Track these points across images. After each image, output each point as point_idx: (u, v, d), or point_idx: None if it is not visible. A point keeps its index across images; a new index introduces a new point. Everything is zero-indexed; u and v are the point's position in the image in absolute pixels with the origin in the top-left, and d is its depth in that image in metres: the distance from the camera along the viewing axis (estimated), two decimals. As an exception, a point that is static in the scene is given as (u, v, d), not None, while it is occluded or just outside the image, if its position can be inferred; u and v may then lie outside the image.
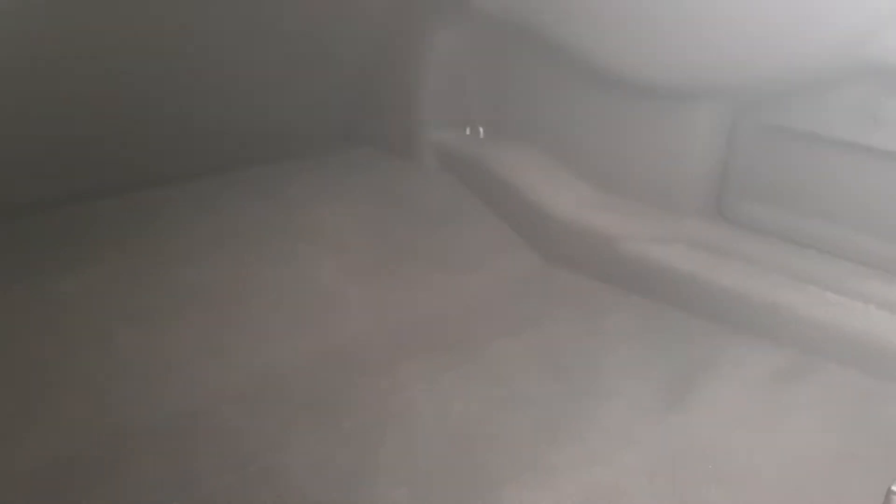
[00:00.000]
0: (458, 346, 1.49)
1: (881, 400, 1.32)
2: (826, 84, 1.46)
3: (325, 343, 1.46)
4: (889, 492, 0.92)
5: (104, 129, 1.72)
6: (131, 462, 1.15)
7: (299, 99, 1.95)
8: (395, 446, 1.22)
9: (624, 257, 1.71)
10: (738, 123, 1.63)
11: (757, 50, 1.49)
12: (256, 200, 1.88)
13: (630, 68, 1.67)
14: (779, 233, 1.61)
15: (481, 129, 2.05)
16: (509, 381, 1.40)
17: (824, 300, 1.46)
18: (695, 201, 1.72)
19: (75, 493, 1.08)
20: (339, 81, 1.99)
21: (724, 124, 1.65)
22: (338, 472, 1.16)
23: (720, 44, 1.54)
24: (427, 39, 2.00)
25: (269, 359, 1.40)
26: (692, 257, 1.64)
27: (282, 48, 1.85)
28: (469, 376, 1.40)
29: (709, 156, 1.69)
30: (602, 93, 1.75)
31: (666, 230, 1.72)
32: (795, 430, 1.27)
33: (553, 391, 1.36)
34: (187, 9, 1.67)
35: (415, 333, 1.53)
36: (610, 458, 1.20)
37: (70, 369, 1.33)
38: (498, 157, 1.97)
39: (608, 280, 1.71)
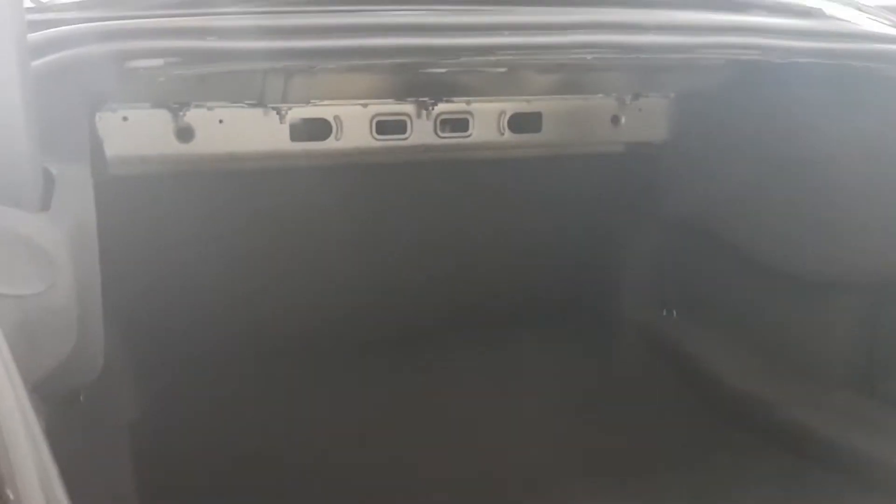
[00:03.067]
0: (618, 472, 1.85)
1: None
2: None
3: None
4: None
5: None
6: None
7: (525, 279, 2.39)
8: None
9: (776, 420, 1.96)
10: (880, 312, 1.87)
11: (888, 246, 1.77)
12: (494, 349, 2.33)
13: (787, 262, 2.00)
14: None
15: (675, 311, 2.42)
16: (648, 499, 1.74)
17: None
18: (843, 375, 1.96)
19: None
20: (554, 267, 2.42)
21: (866, 311, 1.90)
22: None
23: (860, 243, 1.82)
24: (628, 236, 2.42)
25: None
26: (832, 423, 1.86)
27: (513, 251, 2.33)
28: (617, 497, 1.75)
29: (854, 338, 1.93)
30: (767, 280, 2.07)
31: (815, 399, 1.95)
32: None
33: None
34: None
35: (584, 459, 1.91)
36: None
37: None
38: (684, 332, 2.35)
39: (760, 437, 1.95)
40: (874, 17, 1.93)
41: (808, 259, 1.93)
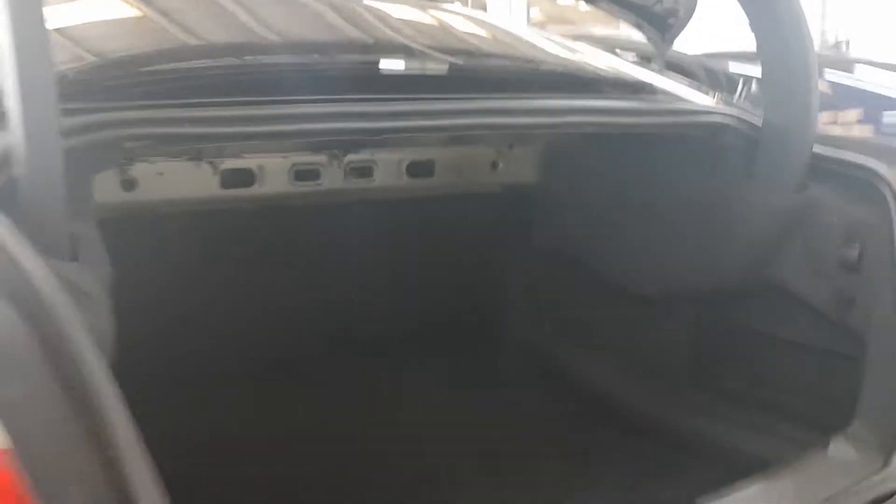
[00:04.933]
0: (503, 465, 2.26)
1: None
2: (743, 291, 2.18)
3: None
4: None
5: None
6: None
7: (420, 304, 2.75)
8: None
9: (633, 415, 2.40)
10: (702, 319, 2.34)
11: (702, 268, 2.24)
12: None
13: (632, 283, 2.44)
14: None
15: (549, 326, 2.82)
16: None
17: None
18: (683, 373, 2.39)
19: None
20: (447, 292, 2.77)
21: (693, 320, 2.35)
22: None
23: (682, 268, 2.28)
24: (508, 263, 2.85)
25: None
26: (676, 414, 2.28)
27: (411, 280, 2.69)
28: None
29: (687, 342, 2.38)
30: (620, 297, 2.47)
31: (661, 395, 2.38)
32: None
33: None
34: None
35: (479, 456, 2.30)
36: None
37: None
38: (557, 343, 2.76)
39: (621, 430, 2.36)
40: (697, 87, 2.44)
41: (646, 280, 2.38)
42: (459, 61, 2.21)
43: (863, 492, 1.56)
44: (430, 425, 2.45)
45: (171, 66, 1.82)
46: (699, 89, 2.42)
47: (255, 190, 2.24)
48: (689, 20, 2.34)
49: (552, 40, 2.70)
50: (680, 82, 2.44)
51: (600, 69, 2.44)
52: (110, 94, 1.52)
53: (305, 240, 2.48)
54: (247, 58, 2.02)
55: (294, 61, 1.93)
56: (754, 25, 2.04)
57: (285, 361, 2.52)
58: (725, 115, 2.06)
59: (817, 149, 2.00)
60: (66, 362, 0.95)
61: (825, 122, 5.12)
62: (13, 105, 1.16)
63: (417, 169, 2.46)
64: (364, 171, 2.38)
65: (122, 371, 1.14)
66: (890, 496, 1.57)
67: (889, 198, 1.81)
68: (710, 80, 4.63)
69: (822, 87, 5.29)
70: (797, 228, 2.01)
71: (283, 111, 1.54)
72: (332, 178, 2.33)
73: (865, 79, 5.86)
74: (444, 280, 2.74)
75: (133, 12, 2.14)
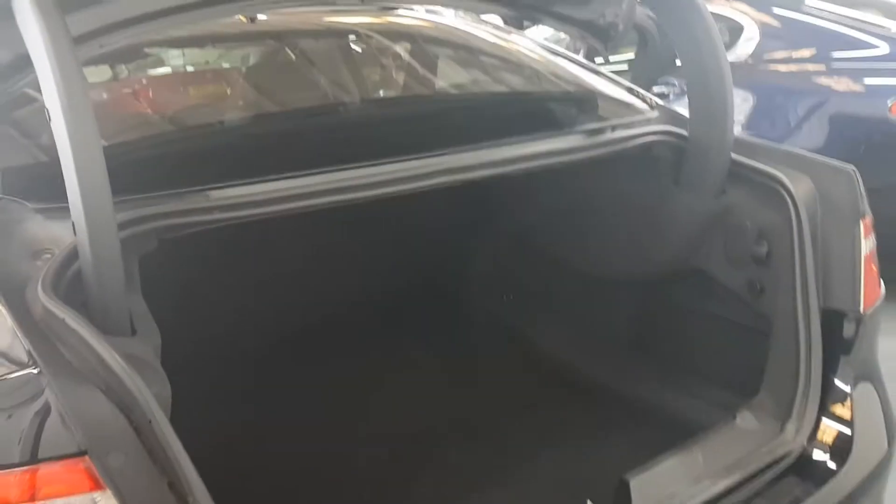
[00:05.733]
0: (469, 421, 2.66)
1: None
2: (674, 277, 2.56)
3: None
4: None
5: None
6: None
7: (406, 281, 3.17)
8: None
9: (583, 377, 2.80)
10: (644, 298, 2.73)
11: (638, 257, 2.60)
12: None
13: (583, 266, 2.82)
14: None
15: (512, 298, 3.23)
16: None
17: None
18: (629, 341, 2.79)
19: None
20: (427, 271, 3.19)
21: (636, 298, 2.74)
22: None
23: (624, 256, 2.65)
24: (477, 247, 3.26)
25: None
26: (620, 377, 2.68)
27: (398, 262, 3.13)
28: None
29: (632, 315, 2.78)
30: (572, 277, 2.85)
31: (609, 361, 2.79)
32: None
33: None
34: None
35: (451, 417, 2.70)
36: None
37: None
38: (517, 313, 3.15)
39: (572, 391, 2.77)
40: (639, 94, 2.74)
41: (594, 265, 2.76)
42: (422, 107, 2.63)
43: (760, 457, 1.97)
44: (406, 386, 2.87)
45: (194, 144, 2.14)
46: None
47: None
48: (628, 31, 2.64)
49: (501, 40, 3.01)
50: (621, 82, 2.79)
51: (546, 95, 2.80)
52: (139, 180, 1.73)
53: (298, 236, 2.83)
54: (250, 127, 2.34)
55: (298, 127, 2.25)
56: (679, 53, 2.35)
57: (291, 335, 2.94)
58: (658, 132, 2.38)
59: (735, 156, 2.33)
60: (150, 436, 1.32)
61: (779, 58, 5.39)
62: (77, 213, 1.40)
63: None
64: None
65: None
66: (781, 459, 1.98)
67: (790, 204, 2.15)
68: (661, 38, 4.90)
69: (773, 21, 5.54)
70: (718, 227, 2.37)
71: (301, 189, 1.80)
72: None
73: (816, 13, 5.94)
74: (426, 262, 3.11)
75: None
